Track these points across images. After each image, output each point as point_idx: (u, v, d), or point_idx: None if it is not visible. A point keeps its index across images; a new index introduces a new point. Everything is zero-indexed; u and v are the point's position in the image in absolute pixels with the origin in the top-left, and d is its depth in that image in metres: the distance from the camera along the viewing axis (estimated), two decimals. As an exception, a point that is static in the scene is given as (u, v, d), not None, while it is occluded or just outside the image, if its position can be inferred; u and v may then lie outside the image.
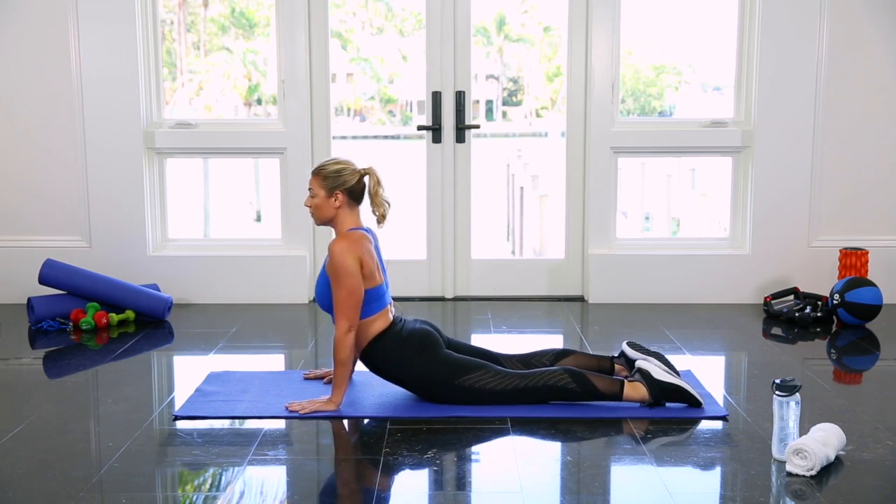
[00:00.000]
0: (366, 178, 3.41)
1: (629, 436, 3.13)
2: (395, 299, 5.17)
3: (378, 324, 3.39)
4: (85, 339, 4.44)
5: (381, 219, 3.44)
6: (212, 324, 4.68)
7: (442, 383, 3.34)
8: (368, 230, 3.46)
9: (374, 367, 3.45)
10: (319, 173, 3.38)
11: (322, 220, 3.42)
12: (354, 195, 3.39)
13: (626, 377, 3.46)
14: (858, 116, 5.02)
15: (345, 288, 3.27)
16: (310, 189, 3.41)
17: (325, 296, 3.40)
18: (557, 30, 6.00)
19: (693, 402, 3.32)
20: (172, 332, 4.58)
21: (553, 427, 3.20)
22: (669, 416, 3.27)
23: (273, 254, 5.18)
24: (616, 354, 3.61)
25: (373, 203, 3.41)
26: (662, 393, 3.31)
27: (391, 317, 3.45)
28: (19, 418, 3.28)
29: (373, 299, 3.36)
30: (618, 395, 3.34)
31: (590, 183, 5.12)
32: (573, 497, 2.68)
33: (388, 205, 3.44)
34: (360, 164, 3.44)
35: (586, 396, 3.34)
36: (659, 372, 3.34)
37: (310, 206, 3.42)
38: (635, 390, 3.34)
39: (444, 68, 5.10)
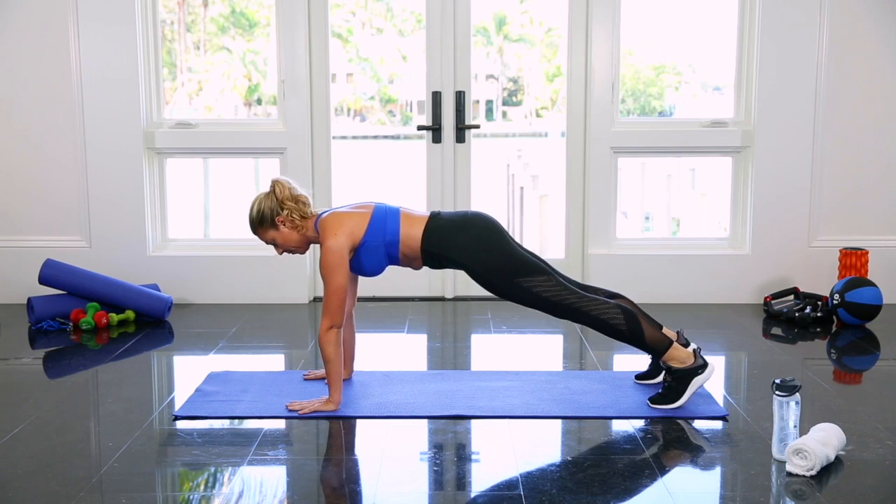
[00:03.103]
0: (276, 191, 3.39)
1: (629, 436, 3.14)
2: (396, 299, 5.19)
3: (415, 228, 3.35)
4: (85, 339, 4.44)
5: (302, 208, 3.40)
6: (212, 324, 4.68)
7: (502, 276, 3.32)
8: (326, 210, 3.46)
9: (435, 259, 3.38)
10: (254, 228, 3.42)
11: (300, 246, 3.45)
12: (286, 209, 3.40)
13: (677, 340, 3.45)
14: (858, 116, 5.02)
15: (331, 285, 3.27)
16: (268, 243, 3.44)
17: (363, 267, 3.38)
18: (557, 30, 6.00)
19: (664, 402, 3.33)
20: (172, 332, 4.58)
21: (553, 427, 3.20)
22: (669, 415, 3.27)
23: (273, 253, 5.16)
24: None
25: (285, 208, 3.37)
26: (684, 379, 3.30)
27: (423, 213, 3.41)
28: (19, 418, 3.29)
29: (382, 217, 3.34)
30: (661, 351, 3.33)
31: (590, 183, 5.13)
32: (573, 497, 2.68)
33: (306, 197, 3.41)
34: (266, 187, 3.44)
35: (630, 340, 3.33)
36: (703, 380, 3.33)
37: (283, 251, 3.45)
38: (684, 352, 3.32)
39: (443, 68, 5.10)
